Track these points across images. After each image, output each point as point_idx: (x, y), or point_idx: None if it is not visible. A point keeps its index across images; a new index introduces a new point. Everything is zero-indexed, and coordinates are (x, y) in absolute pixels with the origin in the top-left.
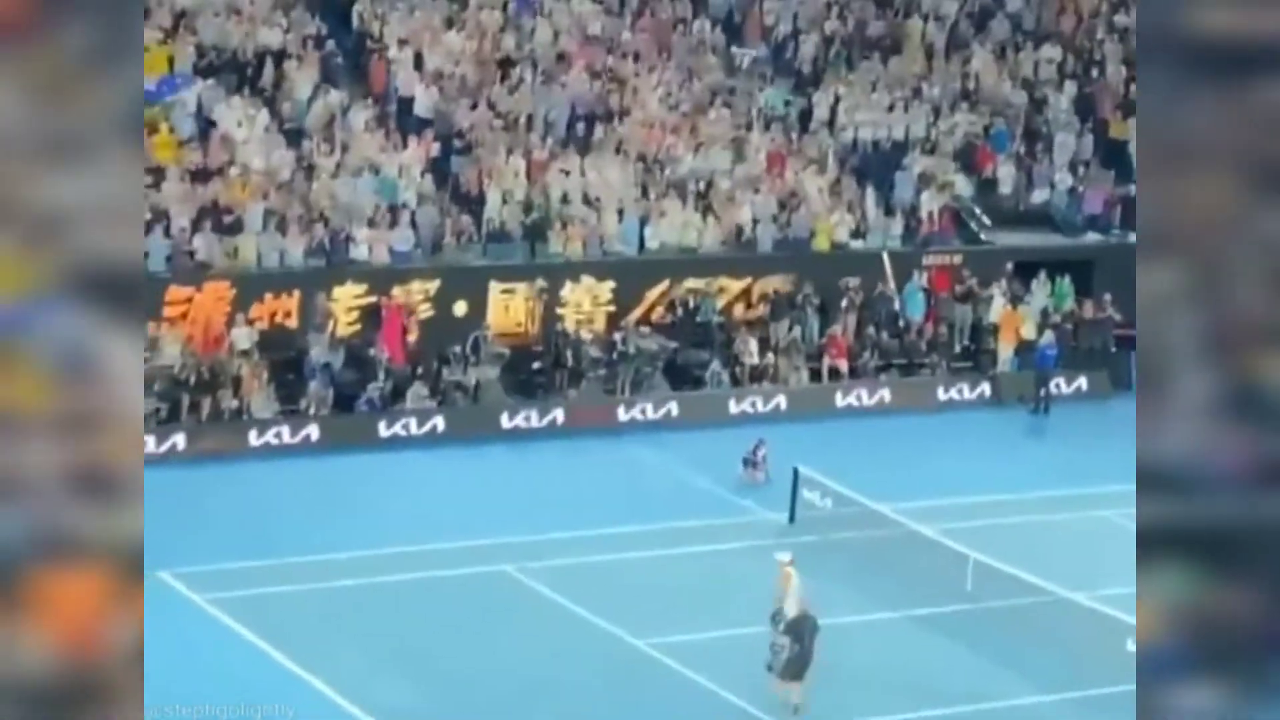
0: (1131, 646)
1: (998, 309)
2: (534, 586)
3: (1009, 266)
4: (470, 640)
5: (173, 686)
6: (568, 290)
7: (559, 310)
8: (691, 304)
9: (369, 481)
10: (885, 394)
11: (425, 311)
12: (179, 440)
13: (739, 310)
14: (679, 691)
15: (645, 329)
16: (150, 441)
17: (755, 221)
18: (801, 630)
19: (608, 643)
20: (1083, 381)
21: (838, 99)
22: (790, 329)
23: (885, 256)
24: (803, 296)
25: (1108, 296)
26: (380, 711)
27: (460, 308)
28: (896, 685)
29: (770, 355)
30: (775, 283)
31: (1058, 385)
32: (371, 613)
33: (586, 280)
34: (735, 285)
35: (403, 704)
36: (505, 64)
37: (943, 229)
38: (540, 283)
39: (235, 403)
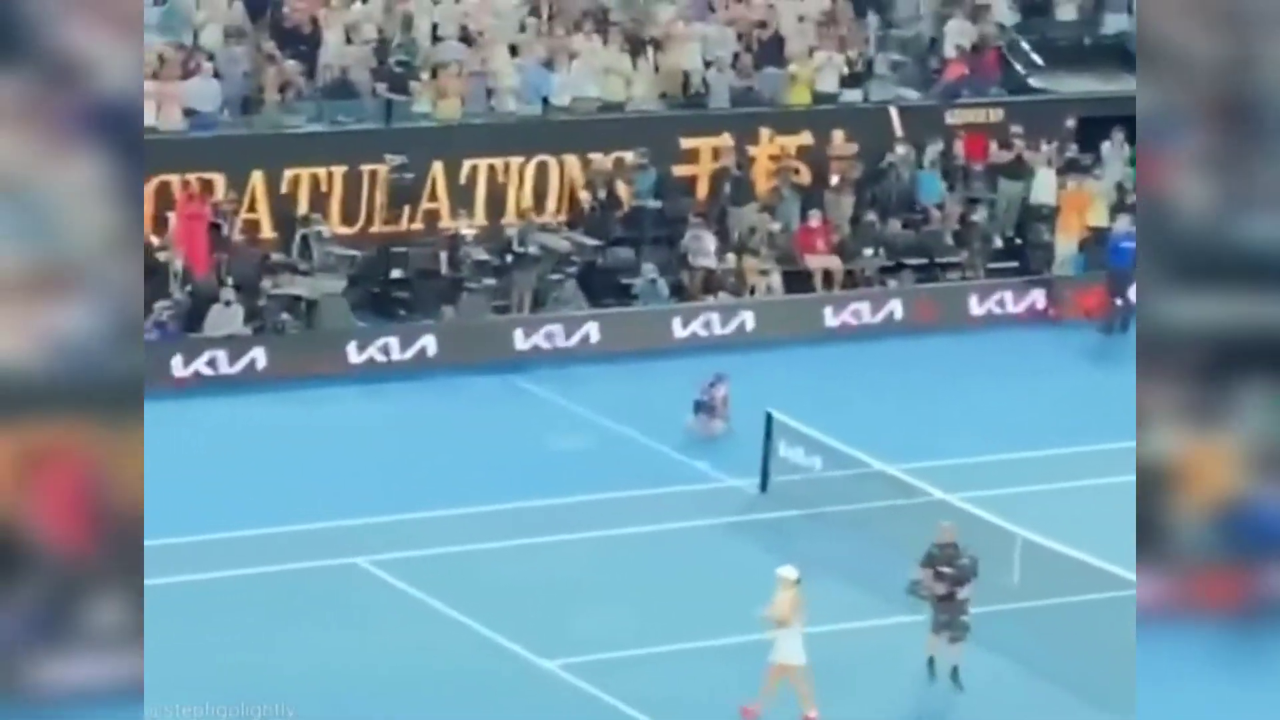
0: None
1: (1053, 185)
2: (398, 586)
3: (1070, 124)
4: (316, 664)
5: None
6: (439, 167)
7: (427, 196)
8: (618, 183)
9: (158, 440)
10: (895, 308)
11: (234, 198)
12: None
13: (685, 191)
14: None
15: (552, 221)
16: None
17: (707, 65)
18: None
19: (503, 663)
20: None
21: None
22: (759, 215)
23: (894, 112)
24: (778, 170)
25: None
26: None
27: (287, 193)
28: (922, 713)
29: (731, 255)
30: (737, 151)
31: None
32: (186, 619)
33: (466, 151)
34: (681, 155)
35: None
36: None
37: (976, 72)
38: (399, 156)
39: None
